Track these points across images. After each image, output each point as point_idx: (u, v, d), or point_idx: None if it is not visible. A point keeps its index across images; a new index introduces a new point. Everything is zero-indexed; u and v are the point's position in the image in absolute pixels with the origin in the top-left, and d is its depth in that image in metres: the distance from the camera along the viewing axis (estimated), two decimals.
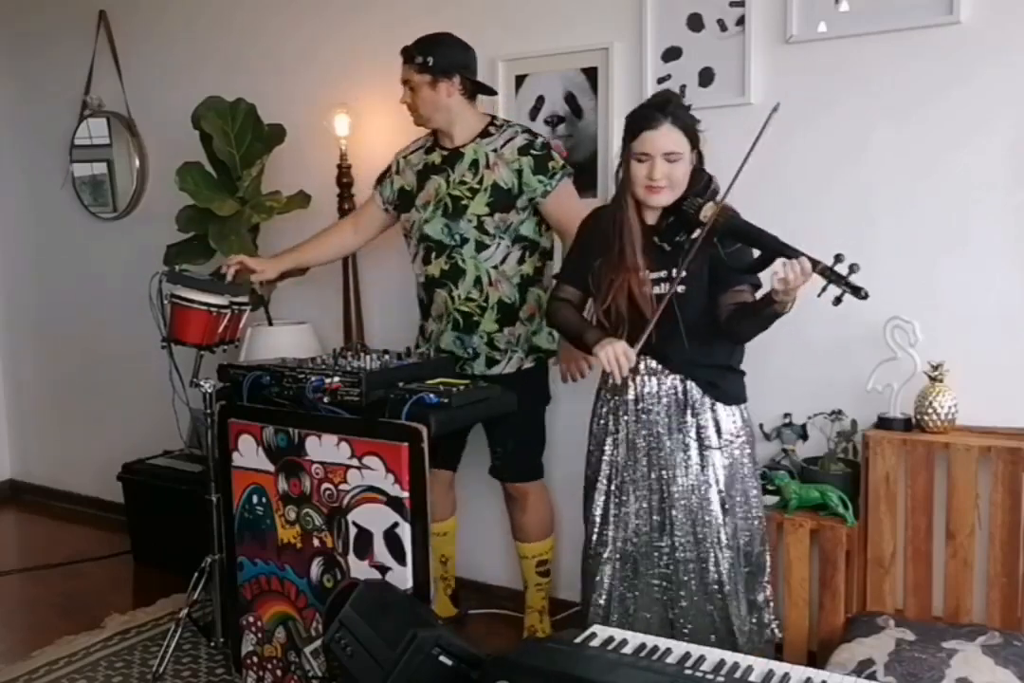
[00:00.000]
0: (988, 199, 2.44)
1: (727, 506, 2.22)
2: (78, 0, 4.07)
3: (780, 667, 1.61)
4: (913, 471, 2.39)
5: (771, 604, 2.30)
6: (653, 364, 2.24)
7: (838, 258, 1.87)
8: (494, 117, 2.80)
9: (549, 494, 2.95)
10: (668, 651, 1.68)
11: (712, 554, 2.21)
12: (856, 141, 2.58)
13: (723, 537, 2.21)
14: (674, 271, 2.15)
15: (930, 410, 2.38)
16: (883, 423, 2.46)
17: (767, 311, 2.02)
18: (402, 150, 2.90)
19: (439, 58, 2.63)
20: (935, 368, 2.39)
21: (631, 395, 2.26)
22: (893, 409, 2.46)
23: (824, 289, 1.88)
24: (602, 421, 2.34)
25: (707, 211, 2.09)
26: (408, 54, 2.67)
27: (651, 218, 2.22)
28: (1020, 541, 2.30)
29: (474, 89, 2.73)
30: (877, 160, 2.55)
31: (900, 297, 2.52)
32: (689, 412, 2.22)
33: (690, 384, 2.22)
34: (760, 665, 1.61)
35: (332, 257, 3.05)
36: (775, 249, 1.99)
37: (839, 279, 1.86)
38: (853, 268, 1.85)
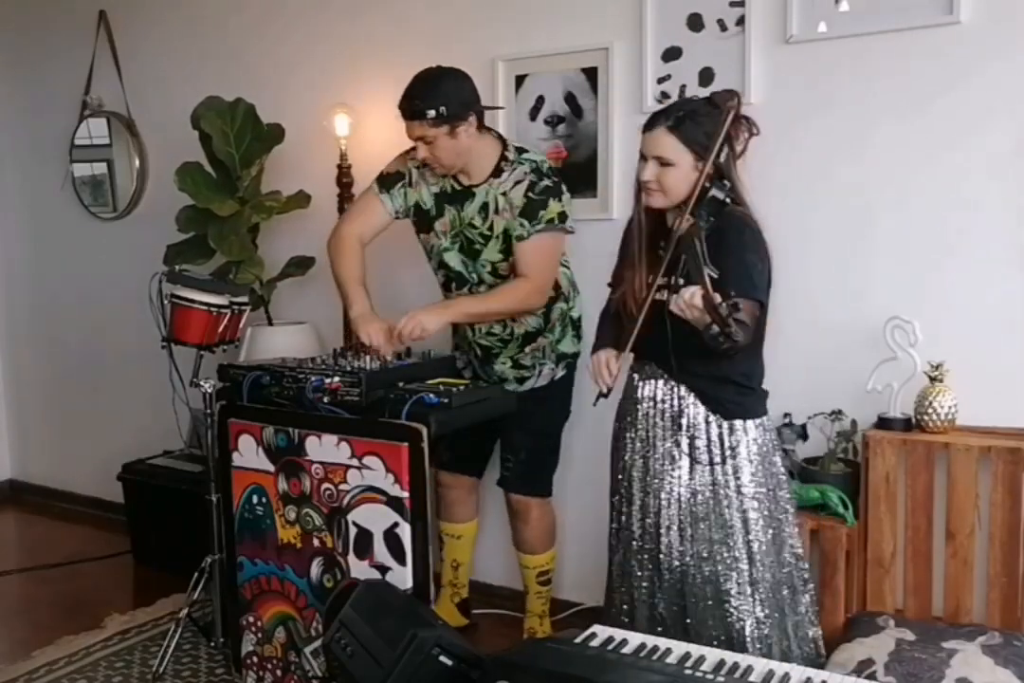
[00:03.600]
0: (988, 199, 2.44)
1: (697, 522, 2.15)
2: (78, 0, 4.07)
3: (780, 667, 1.61)
4: (913, 471, 2.39)
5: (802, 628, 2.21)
6: (655, 368, 2.21)
7: (734, 306, 1.80)
8: (505, 146, 2.60)
9: (552, 509, 2.91)
10: (668, 651, 1.68)
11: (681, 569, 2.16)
12: (856, 141, 2.57)
13: (673, 555, 2.16)
14: (672, 278, 2.11)
15: (930, 410, 2.38)
16: (883, 423, 2.46)
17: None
18: (413, 157, 2.62)
19: (451, 104, 2.41)
20: (935, 368, 2.39)
21: (638, 395, 2.24)
22: (893, 409, 2.46)
23: (709, 326, 1.82)
24: (618, 423, 2.32)
25: (684, 224, 2.04)
26: (416, 110, 2.41)
27: (671, 221, 2.17)
28: (1020, 541, 2.30)
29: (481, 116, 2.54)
30: (877, 160, 2.55)
31: (900, 297, 2.52)
32: (684, 421, 2.16)
33: (684, 392, 2.17)
34: (760, 665, 1.61)
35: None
36: (694, 271, 1.91)
37: (720, 319, 1.79)
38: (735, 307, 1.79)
